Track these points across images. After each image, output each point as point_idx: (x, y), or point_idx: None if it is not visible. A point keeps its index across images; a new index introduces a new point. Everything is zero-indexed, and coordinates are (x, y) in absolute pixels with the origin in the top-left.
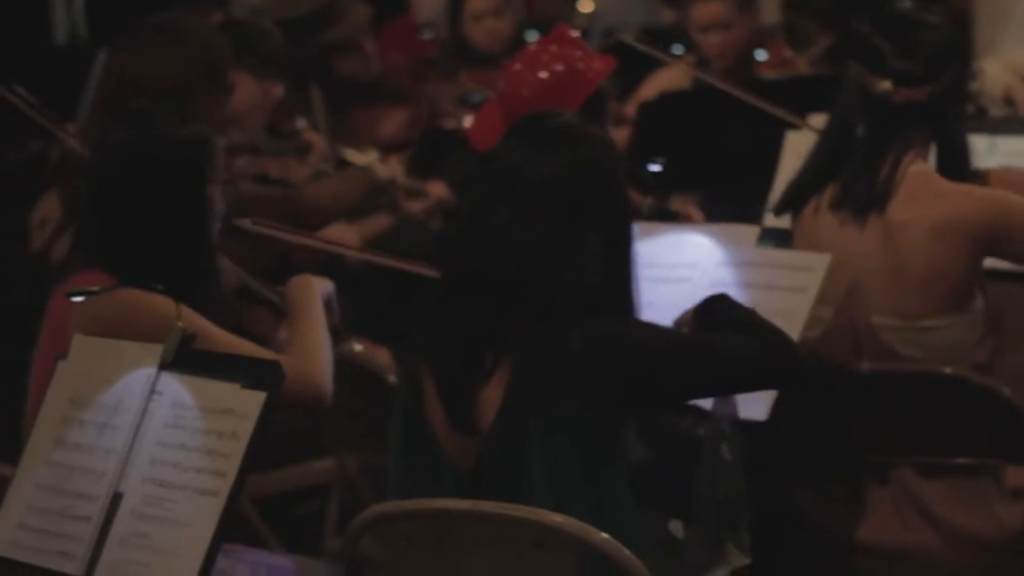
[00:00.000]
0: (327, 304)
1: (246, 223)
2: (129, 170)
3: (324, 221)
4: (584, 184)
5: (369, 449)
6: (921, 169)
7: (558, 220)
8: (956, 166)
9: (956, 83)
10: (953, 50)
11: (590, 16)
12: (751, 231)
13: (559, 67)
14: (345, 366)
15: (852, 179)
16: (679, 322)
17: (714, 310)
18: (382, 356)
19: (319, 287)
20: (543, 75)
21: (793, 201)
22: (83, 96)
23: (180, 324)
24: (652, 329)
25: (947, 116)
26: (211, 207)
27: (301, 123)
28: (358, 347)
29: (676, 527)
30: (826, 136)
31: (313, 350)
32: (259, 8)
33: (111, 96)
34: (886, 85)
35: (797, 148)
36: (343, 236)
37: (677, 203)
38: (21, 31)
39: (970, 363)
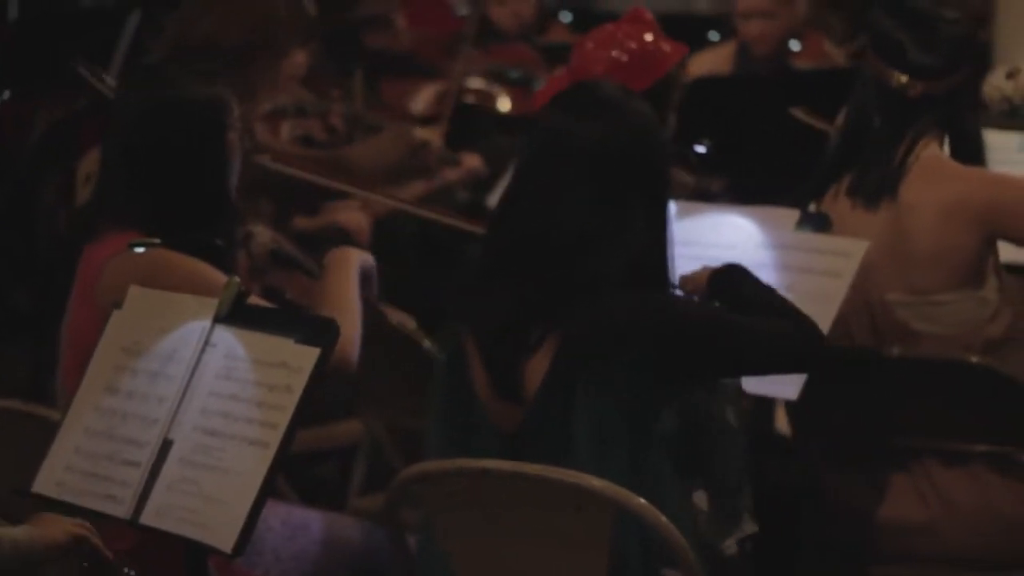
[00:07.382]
0: (365, 276)
1: (265, 159)
2: (146, 127)
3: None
4: (629, 151)
5: (396, 411)
6: (934, 153)
7: (604, 186)
8: (968, 155)
9: (972, 76)
10: (971, 44)
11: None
12: (790, 215)
13: (632, 46)
14: (375, 329)
15: (867, 167)
16: (689, 279)
17: (732, 280)
18: (409, 321)
19: (357, 258)
20: (615, 54)
21: (815, 189)
22: (115, 54)
23: (236, 279)
24: (694, 304)
25: (960, 108)
26: (229, 159)
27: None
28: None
29: (700, 498)
30: (844, 126)
31: (342, 316)
32: None
33: (170, 55)
34: (903, 79)
35: None
36: (357, 219)
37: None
38: None
39: (983, 338)
